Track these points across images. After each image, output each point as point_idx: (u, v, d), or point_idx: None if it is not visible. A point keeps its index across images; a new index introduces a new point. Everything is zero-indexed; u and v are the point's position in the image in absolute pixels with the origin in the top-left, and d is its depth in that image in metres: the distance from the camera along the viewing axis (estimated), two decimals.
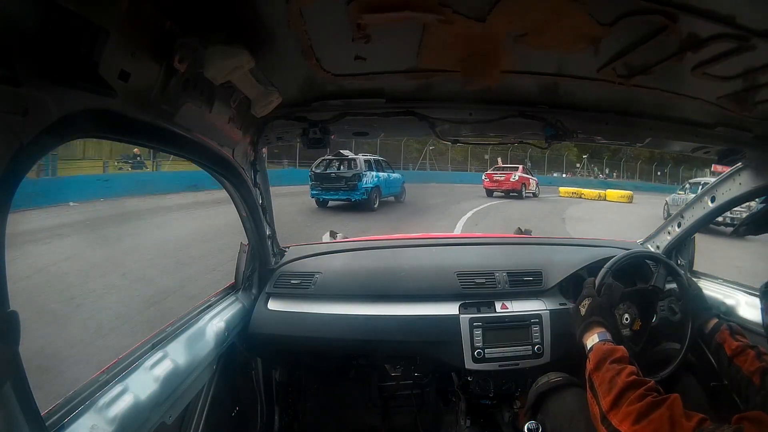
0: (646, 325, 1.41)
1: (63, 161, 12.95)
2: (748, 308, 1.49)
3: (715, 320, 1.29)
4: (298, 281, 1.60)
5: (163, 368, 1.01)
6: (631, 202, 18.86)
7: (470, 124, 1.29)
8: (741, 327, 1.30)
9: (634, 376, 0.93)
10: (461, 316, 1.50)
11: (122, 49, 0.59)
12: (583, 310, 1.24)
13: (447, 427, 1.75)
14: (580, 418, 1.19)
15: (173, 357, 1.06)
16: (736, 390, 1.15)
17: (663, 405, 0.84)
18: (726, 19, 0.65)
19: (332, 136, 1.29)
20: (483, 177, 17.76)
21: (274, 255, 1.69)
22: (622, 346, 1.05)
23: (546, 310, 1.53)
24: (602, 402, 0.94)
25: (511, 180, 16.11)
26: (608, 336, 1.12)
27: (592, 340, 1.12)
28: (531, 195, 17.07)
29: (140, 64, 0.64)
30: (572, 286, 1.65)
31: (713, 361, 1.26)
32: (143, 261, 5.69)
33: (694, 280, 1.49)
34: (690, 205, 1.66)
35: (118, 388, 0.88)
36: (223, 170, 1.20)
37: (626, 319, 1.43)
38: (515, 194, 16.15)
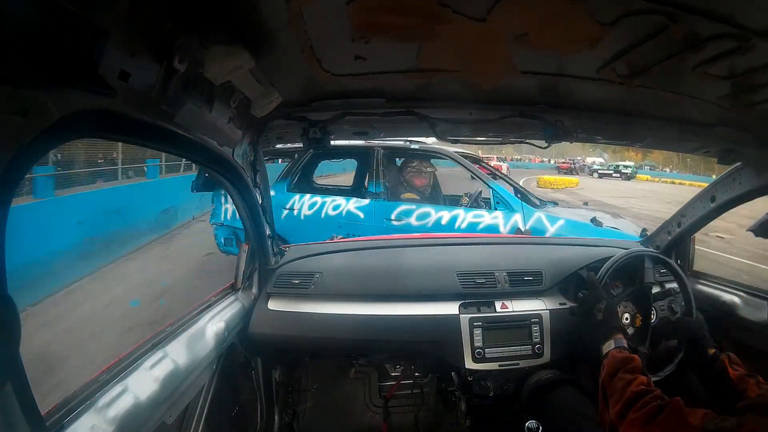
0: (647, 322, 1.41)
1: None
2: (748, 308, 1.50)
3: (714, 350, 1.26)
4: (298, 281, 1.60)
5: (163, 368, 1.01)
6: None
7: (470, 123, 1.29)
8: (743, 328, 1.29)
9: (642, 386, 0.94)
10: (461, 315, 1.50)
11: (122, 49, 0.59)
12: (599, 315, 1.21)
13: (447, 427, 1.75)
14: (578, 415, 1.19)
15: (173, 357, 1.06)
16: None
17: (667, 408, 0.86)
18: (726, 18, 0.65)
19: (332, 136, 1.29)
20: None
21: (274, 255, 1.69)
22: (636, 355, 1.06)
23: (546, 309, 1.53)
24: (612, 411, 0.96)
25: None
26: (624, 343, 1.12)
27: (608, 346, 1.12)
28: None
29: (140, 64, 0.63)
30: (572, 286, 1.65)
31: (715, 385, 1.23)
32: None
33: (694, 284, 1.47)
34: (690, 204, 1.67)
35: (118, 388, 0.88)
36: (223, 170, 1.20)
37: (626, 318, 1.44)
38: None
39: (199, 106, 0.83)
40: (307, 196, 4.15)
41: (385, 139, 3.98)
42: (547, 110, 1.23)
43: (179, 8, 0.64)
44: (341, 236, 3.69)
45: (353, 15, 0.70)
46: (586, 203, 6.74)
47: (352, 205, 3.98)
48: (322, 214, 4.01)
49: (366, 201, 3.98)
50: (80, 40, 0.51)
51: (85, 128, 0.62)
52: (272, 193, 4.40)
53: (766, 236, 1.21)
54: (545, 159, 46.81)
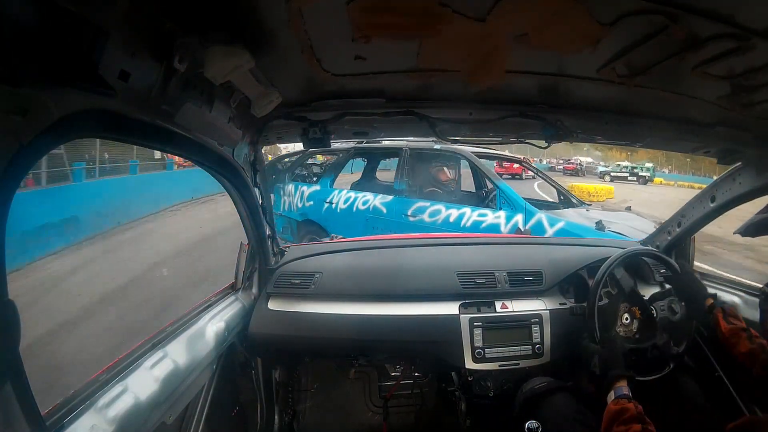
0: (648, 315, 1.42)
1: None
2: (747, 308, 1.49)
3: (711, 301, 1.32)
4: (299, 281, 1.60)
5: (163, 368, 1.01)
6: None
7: (470, 123, 1.29)
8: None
9: None
10: (461, 315, 1.50)
11: (122, 49, 0.59)
12: (597, 370, 1.24)
13: (447, 427, 1.75)
14: (575, 423, 1.20)
15: (173, 357, 1.06)
16: (728, 372, 1.18)
17: None
18: (726, 18, 0.65)
19: (332, 136, 1.29)
20: None
21: (274, 255, 1.69)
22: (632, 404, 1.07)
23: (546, 309, 1.53)
24: None
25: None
26: (624, 390, 1.14)
27: (609, 397, 1.14)
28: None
29: (140, 64, 0.63)
30: (572, 286, 1.65)
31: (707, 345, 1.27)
32: None
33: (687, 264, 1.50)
34: (690, 204, 1.67)
35: (118, 388, 0.88)
36: (223, 170, 1.20)
37: (626, 318, 1.44)
38: None
39: (199, 106, 0.83)
40: (345, 191, 4.63)
41: (413, 139, 4.29)
42: (547, 110, 1.23)
43: (179, 8, 0.64)
44: (341, 236, 3.76)
45: (353, 15, 0.70)
46: (628, 207, 6.49)
47: (378, 200, 4.38)
48: (354, 208, 4.49)
49: (390, 197, 4.30)
50: (80, 40, 0.51)
51: (84, 128, 0.62)
52: (317, 188, 4.64)
53: (754, 236, 1.23)
54: (536, 159, 42.39)
